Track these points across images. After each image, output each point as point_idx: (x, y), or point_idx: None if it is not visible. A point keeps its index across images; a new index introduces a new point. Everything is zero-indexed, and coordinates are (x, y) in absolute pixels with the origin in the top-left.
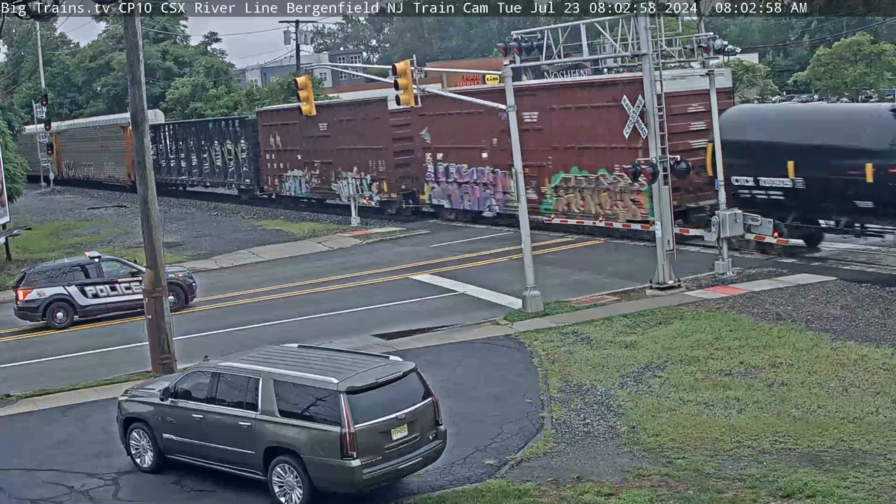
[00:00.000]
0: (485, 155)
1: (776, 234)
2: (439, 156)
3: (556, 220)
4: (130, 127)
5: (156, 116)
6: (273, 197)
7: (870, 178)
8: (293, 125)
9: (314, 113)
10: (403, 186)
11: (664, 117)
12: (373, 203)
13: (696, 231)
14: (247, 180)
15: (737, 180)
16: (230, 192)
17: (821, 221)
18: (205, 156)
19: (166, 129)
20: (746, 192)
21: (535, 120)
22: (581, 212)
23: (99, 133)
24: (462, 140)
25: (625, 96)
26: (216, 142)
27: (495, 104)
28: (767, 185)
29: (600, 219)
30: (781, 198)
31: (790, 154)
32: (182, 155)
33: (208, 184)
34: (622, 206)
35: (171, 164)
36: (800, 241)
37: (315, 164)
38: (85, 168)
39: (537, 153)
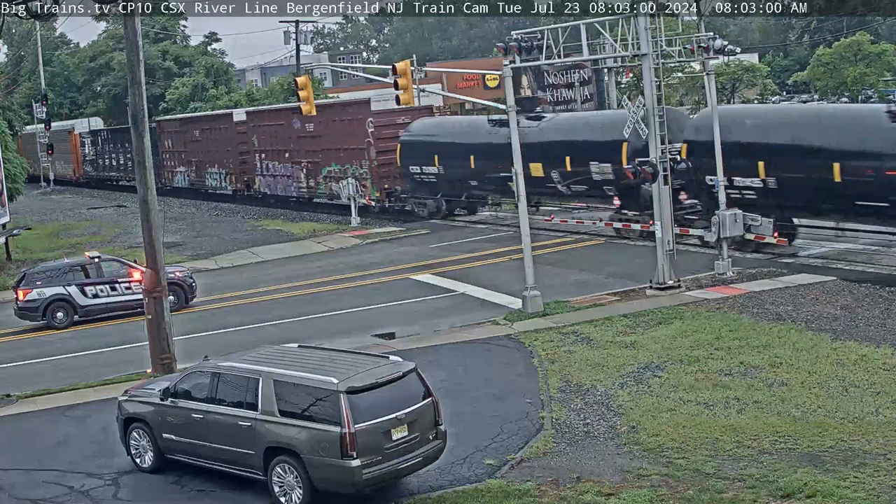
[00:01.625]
0: (287, 154)
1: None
2: (263, 156)
3: (327, 202)
4: (76, 132)
5: (94, 123)
6: (168, 188)
7: (472, 165)
8: (179, 132)
9: (314, 112)
10: (245, 179)
11: (375, 128)
12: (228, 191)
13: (696, 232)
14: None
15: (412, 169)
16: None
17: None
18: (128, 156)
19: (104, 133)
20: (418, 177)
21: (312, 129)
22: (338, 195)
23: (52, 137)
24: (274, 144)
25: (370, 119)
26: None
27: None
28: (428, 171)
29: (349, 199)
30: (434, 181)
31: (436, 150)
32: (113, 155)
33: (129, 179)
34: (364, 188)
35: (107, 163)
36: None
37: (192, 161)
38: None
39: (314, 153)
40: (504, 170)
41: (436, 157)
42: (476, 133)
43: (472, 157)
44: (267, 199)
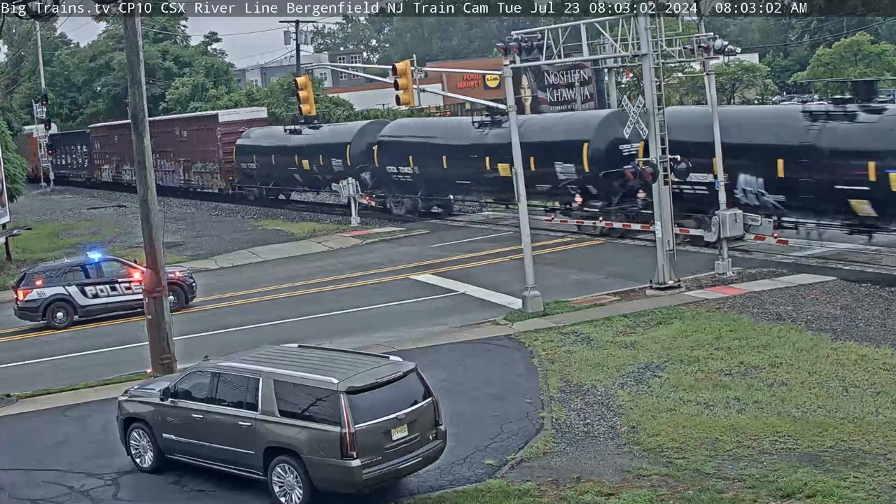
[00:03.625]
0: (172, 155)
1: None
2: (158, 156)
3: (199, 190)
4: (35, 136)
5: (51, 128)
6: (98, 182)
7: (273, 162)
8: (104, 136)
9: (314, 113)
10: None
11: (222, 135)
12: (157, 183)
13: (696, 232)
14: (88, 172)
15: (243, 165)
16: (80, 179)
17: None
18: (74, 155)
19: (57, 137)
20: (246, 170)
21: (185, 135)
22: (204, 185)
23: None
24: (164, 147)
25: (218, 128)
26: (78, 146)
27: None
28: (251, 167)
29: (210, 188)
30: (255, 174)
31: (255, 151)
32: (64, 155)
33: (74, 175)
34: (216, 180)
35: (59, 162)
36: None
37: (113, 160)
38: None
39: (188, 153)
40: (289, 165)
41: (254, 156)
42: (277, 138)
43: (272, 157)
44: (161, 189)
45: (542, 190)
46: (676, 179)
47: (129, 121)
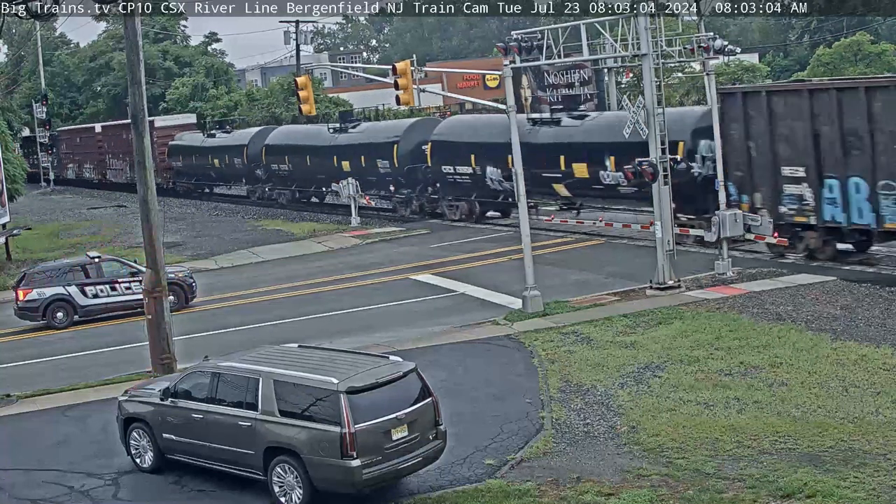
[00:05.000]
0: (121, 155)
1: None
2: (110, 156)
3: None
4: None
5: (24, 131)
6: (63, 179)
7: (194, 161)
8: (70, 139)
9: (314, 113)
10: (103, 171)
11: (157, 138)
12: (95, 180)
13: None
14: (57, 170)
15: (174, 163)
16: (52, 176)
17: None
18: (35, 156)
19: (36, 139)
20: (176, 167)
21: (132, 138)
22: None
23: None
24: (115, 148)
25: (153, 132)
26: (54, 148)
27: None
28: (180, 164)
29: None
30: (182, 169)
31: (181, 151)
32: (33, 157)
33: (49, 173)
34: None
35: (42, 162)
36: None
37: (77, 160)
38: None
39: (133, 154)
40: (206, 163)
41: (181, 156)
42: (197, 141)
43: (194, 156)
44: (113, 184)
45: (372, 181)
46: (452, 171)
47: (88, 125)
